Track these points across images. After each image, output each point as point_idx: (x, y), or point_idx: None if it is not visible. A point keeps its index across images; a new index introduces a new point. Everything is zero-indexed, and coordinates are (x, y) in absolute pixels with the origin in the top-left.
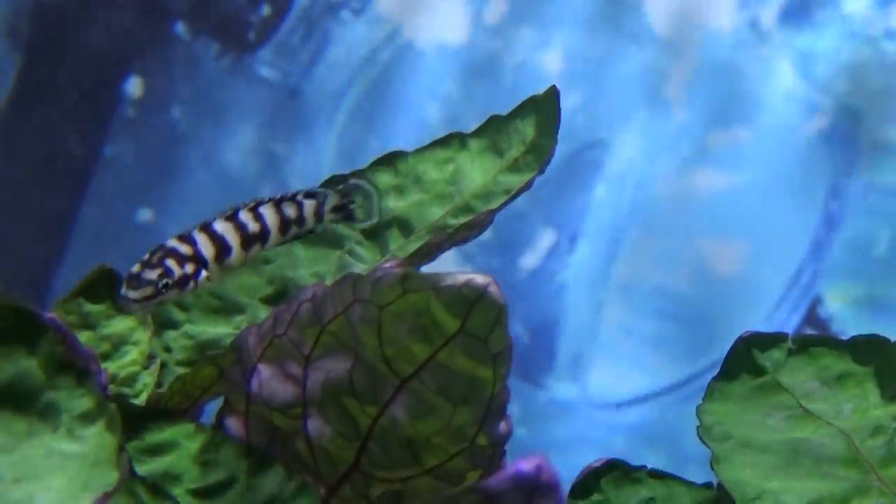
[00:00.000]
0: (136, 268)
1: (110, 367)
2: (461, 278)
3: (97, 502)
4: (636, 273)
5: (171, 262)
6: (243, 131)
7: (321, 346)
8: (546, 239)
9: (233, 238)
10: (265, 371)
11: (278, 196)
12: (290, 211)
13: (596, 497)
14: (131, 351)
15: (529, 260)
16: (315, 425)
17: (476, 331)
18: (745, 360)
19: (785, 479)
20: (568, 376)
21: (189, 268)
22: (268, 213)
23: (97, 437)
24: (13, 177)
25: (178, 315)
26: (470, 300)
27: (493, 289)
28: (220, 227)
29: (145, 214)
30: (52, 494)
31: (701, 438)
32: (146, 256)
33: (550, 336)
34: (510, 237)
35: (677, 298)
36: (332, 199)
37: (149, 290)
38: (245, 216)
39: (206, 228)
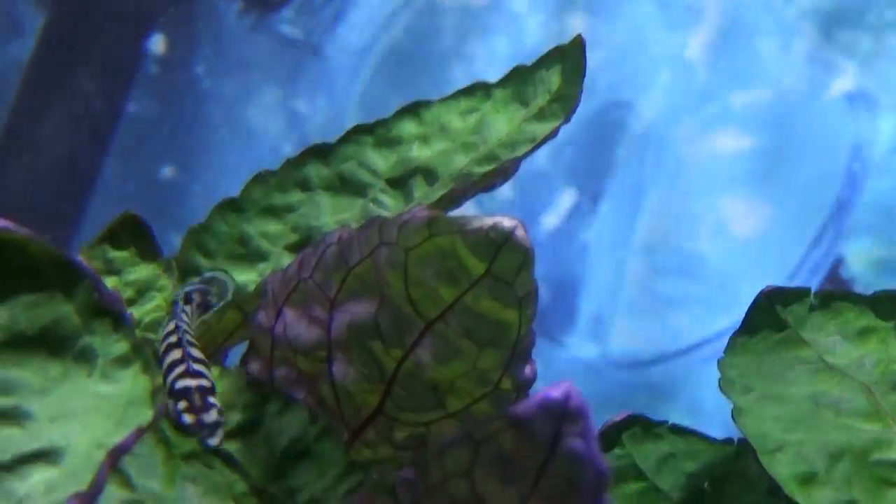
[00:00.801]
0: (189, 419)
1: (135, 312)
2: (488, 221)
3: (131, 436)
4: (658, 233)
5: (212, 399)
6: (265, 89)
7: (347, 290)
8: (568, 199)
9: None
10: (290, 314)
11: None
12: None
13: (617, 451)
14: (156, 297)
15: (551, 220)
16: (339, 368)
17: (502, 274)
18: (767, 314)
19: (806, 431)
20: (589, 335)
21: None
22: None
23: (132, 379)
24: (37, 133)
25: (203, 262)
26: (496, 243)
27: (519, 232)
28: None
29: (168, 171)
30: (87, 432)
31: (722, 390)
32: (186, 403)
33: (572, 295)
34: (532, 197)
35: (698, 259)
36: (197, 298)
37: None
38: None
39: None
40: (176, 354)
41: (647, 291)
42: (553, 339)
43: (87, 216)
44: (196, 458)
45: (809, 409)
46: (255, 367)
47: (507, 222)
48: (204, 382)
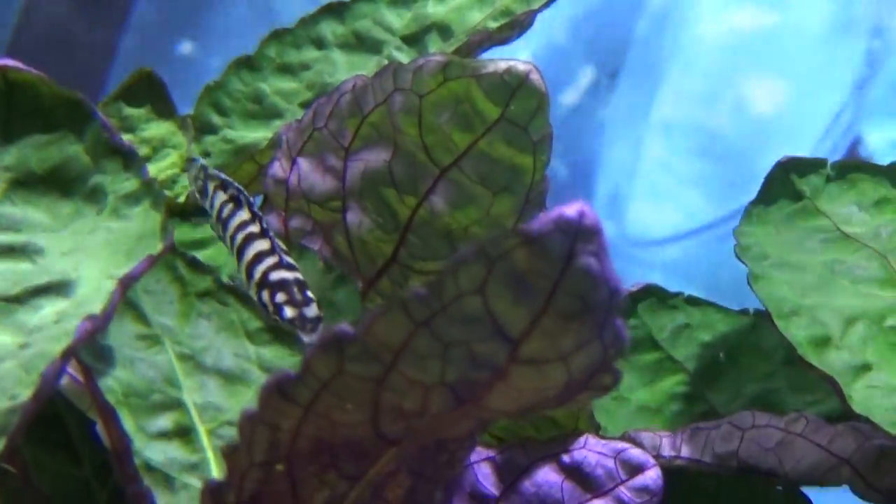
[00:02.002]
0: (291, 312)
1: (150, 169)
2: (502, 65)
3: (141, 264)
4: (676, 111)
5: (310, 293)
6: None
7: (361, 138)
8: (586, 76)
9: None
10: (305, 164)
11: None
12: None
13: (632, 322)
14: (171, 154)
15: (570, 97)
16: (354, 217)
17: (517, 118)
18: (784, 185)
19: (821, 296)
20: (606, 213)
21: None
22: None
23: (142, 215)
24: (56, 9)
25: (217, 120)
26: (511, 87)
27: (534, 76)
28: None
29: (186, 47)
30: (98, 264)
31: (738, 257)
32: (286, 295)
33: (589, 173)
34: (551, 74)
35: (717, 137)
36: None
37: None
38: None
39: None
40: (262, 245)
41: (665, 170)
42: None
43: (106, 92)
44: (210, 295)
45: (825, 275)
46: (270, 219)
47: (521, 66)
48: (299, 276)
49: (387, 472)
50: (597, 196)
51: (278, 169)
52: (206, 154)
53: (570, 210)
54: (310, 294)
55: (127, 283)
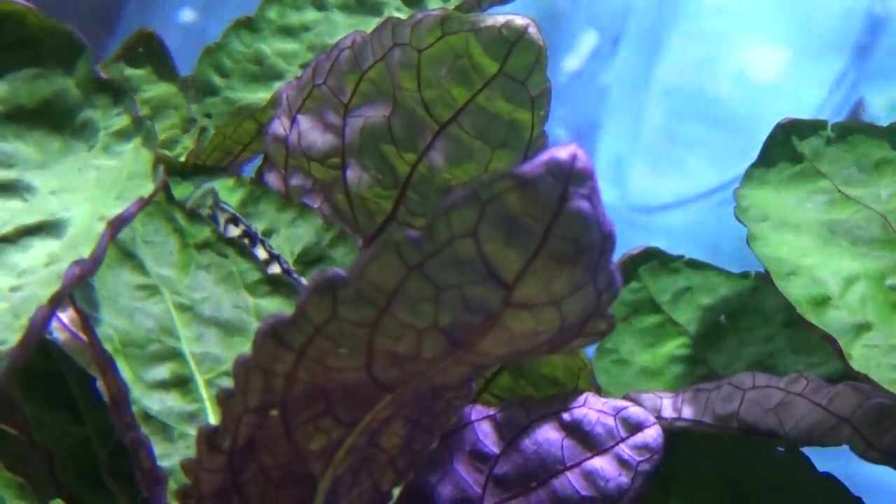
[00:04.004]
0: None
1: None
2: (501, 19)
3: (132, 206)
4: (678, 77)
5: None
6: None
7: (360, 94)
8: (588, 41)
9: None
10: (304, 122)
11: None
12: None
13: (633, 285)
14: (172, 115)
15: (571, 62)
16: (353, 174)
17: (515, 73)
18: (784, 147)
19: (821, 256)
20: (608, 179)
21: None
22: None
23: (133, 153)
24: None
25: (218, 81)
26: (509, 41)
27: (532, 30)
28: None
29: (188, 15)
30: (88, 204)
31: (737, 219)
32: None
33: (591, 139)
34: (552, 39)
35: (718, 102)
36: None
37: None
38: None
39: None
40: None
41: (667, 135)
42: None
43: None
44: (210, 247)
45: (824, 236)
46: (270, 178)
47: (519, 20)
48: None
49: (382, 419)
50: (598, 162)
51: (278, 127)
52: (208, 115)
53: (562, 153)
54: None
55: (117, 225)
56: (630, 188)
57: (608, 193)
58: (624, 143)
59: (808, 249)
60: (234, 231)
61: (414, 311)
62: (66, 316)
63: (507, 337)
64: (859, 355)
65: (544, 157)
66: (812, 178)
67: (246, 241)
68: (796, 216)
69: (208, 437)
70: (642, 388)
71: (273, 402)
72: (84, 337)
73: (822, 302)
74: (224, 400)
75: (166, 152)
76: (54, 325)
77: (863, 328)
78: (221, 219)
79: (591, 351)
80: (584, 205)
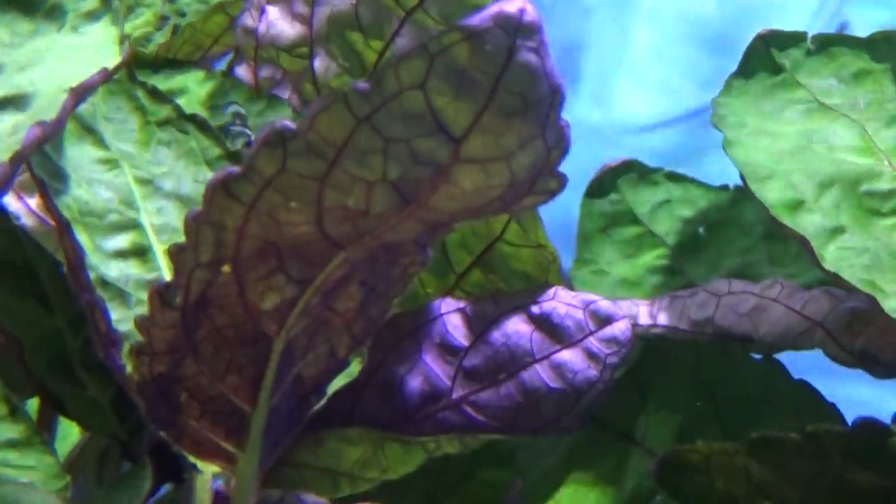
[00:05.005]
0: None
1: (126, 27)
2: None
3: (97, 76)
4: None
5: None
6: None
7: None
8: None
9: None
10: (273, 12)
11: None
12: None
13: (612, 196)
14: (145, 13)
15: None
16: (321, 64)
17: None
18: (763, 58)
19: (797, 162)
20: (593, 99)
21: None
22: None
23: (100, 31)
24: None
25: None
26: None
27: None
28: None
29: None
30: (55, 77)
31: (714, 126)
32: None
33: (576, 58)
34: None
35: (704, 22)
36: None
37: None
38: None
39: None
40: None
41: (653, 55)
42: None
43: None
44: (171, 123)
45: (802, 143)
46: (240, 70)
47: None
48: None
49: (336, 278)
50: (583, 82)
51: (248, 18)
52: (181, 14)
53: (510, 6)
54: None
55: (80, 93)
56: (615, 108)
57: (594, 114)
58: (609, 63)
59: (785, 155)
60: None
61: (363, 164)
62: (34, 202)
63: (458, 192)
64: (832, 256)
65: (492, 9)
66: (791, 89)
67: None
68: (774, 124)
69: (160, 293)
70: (621, 297)
71: (225, 257)
72: (51, 221)
73: (797, 206)
74: (175, 255)
75: (140, 49)
76: (21, 210)
77: (836, 231)
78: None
79: (568, 262)
80: (532, 57)
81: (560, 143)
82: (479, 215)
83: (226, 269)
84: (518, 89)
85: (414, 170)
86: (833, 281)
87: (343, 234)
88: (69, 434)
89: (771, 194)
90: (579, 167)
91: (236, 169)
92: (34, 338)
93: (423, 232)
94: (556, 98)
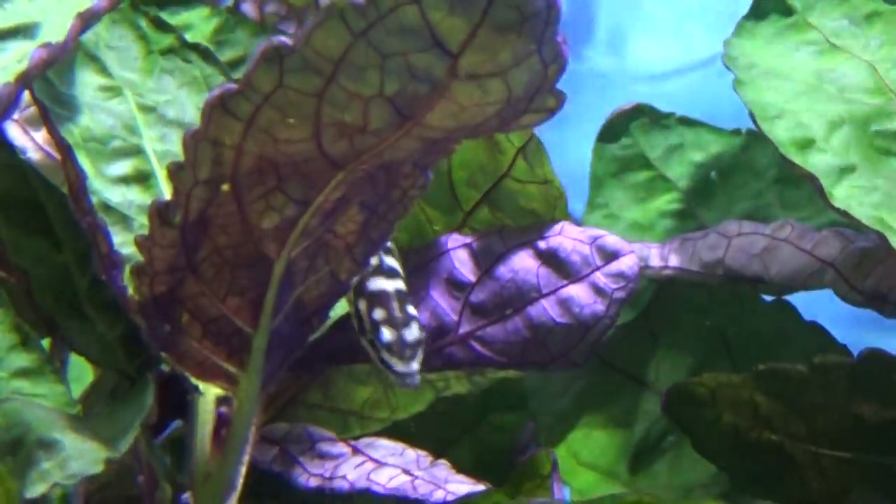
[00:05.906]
0: (389, 334)
1: None
2: None
3: (103, 2)
4: None
5: (412, 309)
6: None
7: None
8: None
9: None
10: None
11: None
12: None
13: (624, 141)
14: None
15: None
16: None
17: None
18: (776, 0)
19: (807, 102)
20: (607, 48)
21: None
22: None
23: None
24: None
25: None
26: None
27: None
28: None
29: None
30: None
31: (725, 66)
32: (385, 313)
33: (590, 7)
34: None
35: None
36: None
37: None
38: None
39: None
40: None
41: (666, 3)
42: (571, 52)
43: None
44: (174, 52)
45: (812, 83)
46: (246, 6)
47: None
48: (400, 284)
49: (335, 199)
50: (597, 30)
51: None
52: None
53: None
54: (412, 311)
55: (87, 18)
56: (629, 56)
57: (608, 63)
58: (623, 11)
59: (795, 95)
60: None
61: (360, 79)
62: (40, 136)
63: (455, 108)
64: (841, 194)
65: None
66: (802, 30)
67: None
68: (785, 65)
69: (160, 211)
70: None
71: (223, 175)
72: (57, 155)
73: (807, 145)
74: (174, 173)
75: None
76: (28, 144)
77: (846, 170)
78: None
79: (580, 211)
80: None
81: (557, 59)
82: (478, 133)
83: (225, 187)
84: (513, 3)
85: (411, 85)
86: (843, 220)
87: (341, 151)
88: (82, 376)
89: (781, 133)
90: (593, 115)
91: (234, 86)
92: (42, 273)
93: (422, 151)
94: (551, 13)
